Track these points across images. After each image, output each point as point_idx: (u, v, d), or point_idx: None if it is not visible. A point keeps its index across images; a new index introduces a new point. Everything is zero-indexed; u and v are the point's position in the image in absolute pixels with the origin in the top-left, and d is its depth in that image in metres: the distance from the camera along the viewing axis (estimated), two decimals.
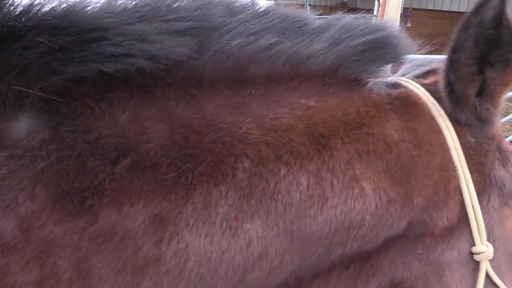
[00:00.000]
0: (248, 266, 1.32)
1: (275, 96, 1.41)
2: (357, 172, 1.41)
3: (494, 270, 1.67)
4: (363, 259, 1.56)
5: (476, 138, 1.63)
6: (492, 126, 1.66)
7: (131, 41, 1.22)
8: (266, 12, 1.46)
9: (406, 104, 1.58)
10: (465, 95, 1.56)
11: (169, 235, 1.22)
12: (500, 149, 1.72)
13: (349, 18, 1.58)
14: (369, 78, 1.60)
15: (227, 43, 1.34)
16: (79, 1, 1.24)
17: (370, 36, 1.53)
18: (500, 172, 1.70)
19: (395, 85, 1.64)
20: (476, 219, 1.61)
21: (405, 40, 1.63)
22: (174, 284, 1.26)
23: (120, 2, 1.29)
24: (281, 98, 1.42)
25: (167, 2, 1.32)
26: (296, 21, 1.48)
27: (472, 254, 1.62)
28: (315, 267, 1.49)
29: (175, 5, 1.32)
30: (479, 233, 1.61)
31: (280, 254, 1.35)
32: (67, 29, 1.19)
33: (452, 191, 1.58)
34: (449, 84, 1.55)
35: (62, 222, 1.15)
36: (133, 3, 1.29)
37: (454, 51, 1.49)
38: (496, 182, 1.69)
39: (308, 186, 1.36)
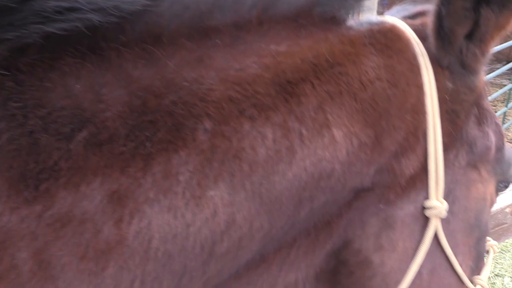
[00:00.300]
0: (216, 238, 1.21)
1: (243, 44, 1.29)
2: (329, 116, 1.30)
3: (447, 235, 1.55)
4: (324, 223, 1.43)
5: (454, 85, 1.51)
6: (475, 76, 1.54)
7: None
8: None
9: (388, 38, 1.48)
10: (453, 34, 1.45)
11: (129, 212, 1.12)
12: (479, 105, 1.61)
13: None
14: (349, 15, 1.49)
15: None
16: None
17: None
18: (474, 130, 1.60)
19: (379, 22, 1.54)
20: (436, 170, 1.49)
21: None
22: (141, 266, 1.15)
23: None
24: (249, 46, 1.30)
25: None
26: None
27: (424, 209, 1.50)
28: (283, 235, 1.37)
29: None
30: (436, 186, 1.49)
31: (248, 220, 1.24)
32: None
33: (420, 136, 1.46)
34: (438, 18, 1.44)
35: (19, 209, 1.05)
36: None
37: None
38: (468, 138, 1.58)
39: (274, 139, 1.24)
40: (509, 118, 10.94)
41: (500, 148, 1.73)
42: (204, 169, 1.19)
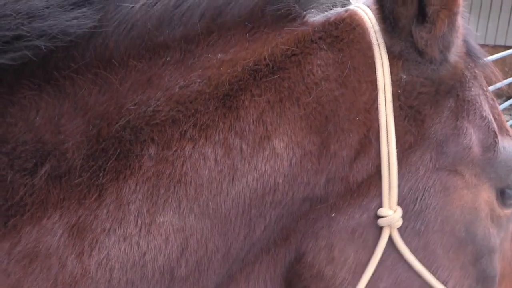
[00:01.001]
0: (172, 264, 1.21)
1: (191, 58, 1.28)
2: (269, 127, 1.26)
3: (418, 248, 1.39)
4: (283, 239, 1.37)
5: (408, 75, 1.36)
6: (437, 64, 1.38)
7: (18, 20, 1.10)
8: None
9: (341, 29, 1.37)
10: (396, 16, 1.31)
11: (89, 244, 1.14)
12: (457, 98, 1.42)
13: None
14: (307, 8, 1.39)
15: (131, 7, 1.22)
16: None
17: None
18: (446, 127, 1.39)
19: (337, 12, 1.42)
20: (389, 175, 1.34)
21: None
22: None
23: None
24: (197, 60, 1.28)
25: None
26: None
27: (377, 217, 1.36)
28: (246, 255, 1.34)
29: None
30: (389, 192, 1.34)
31: (203, 243, 1.23)
32: None
33: (373, 137, 1.33)
34: None
35: None
36: None
37: None
38: (437, 137, 1.39)
39: (216, 159, 1.23)
40: None
41: (489, 147, 1.46)
42: (152, 196, 1.19)
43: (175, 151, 1.21)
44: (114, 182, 1.16)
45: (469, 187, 1.44)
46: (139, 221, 1.18)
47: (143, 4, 1.26)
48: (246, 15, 1.32)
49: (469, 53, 1.48)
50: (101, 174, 1.16)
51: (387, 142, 1.33)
